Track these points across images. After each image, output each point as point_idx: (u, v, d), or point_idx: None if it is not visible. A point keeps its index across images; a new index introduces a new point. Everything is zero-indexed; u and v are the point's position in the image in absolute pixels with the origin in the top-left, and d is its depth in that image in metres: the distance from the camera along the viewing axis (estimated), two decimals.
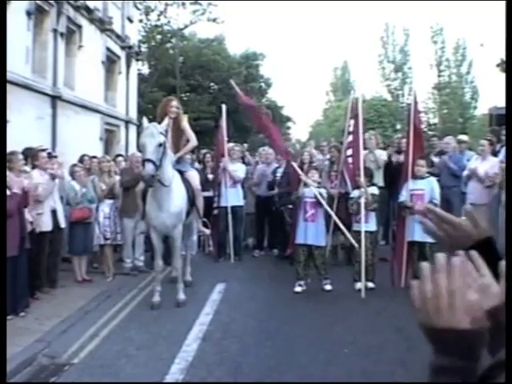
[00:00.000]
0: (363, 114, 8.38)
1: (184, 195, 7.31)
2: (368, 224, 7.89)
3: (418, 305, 0.91)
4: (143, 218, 7.61)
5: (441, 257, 0.90)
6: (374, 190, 8.08)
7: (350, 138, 8.91)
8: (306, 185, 7.92)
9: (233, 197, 10.27)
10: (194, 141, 7.97)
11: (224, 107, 10.75)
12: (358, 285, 7.72)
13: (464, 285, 0.87)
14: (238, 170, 10.50)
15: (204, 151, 11.96)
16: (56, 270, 8.25)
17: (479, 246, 1.11)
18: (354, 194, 8.07)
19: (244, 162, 11.13)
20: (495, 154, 9.06)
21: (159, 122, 6.99)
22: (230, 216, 10.14)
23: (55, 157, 9.57)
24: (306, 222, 7.86)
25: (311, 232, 7.82)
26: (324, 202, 7.90)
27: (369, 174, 8.20)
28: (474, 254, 0.94)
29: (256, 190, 10.93)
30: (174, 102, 7.79)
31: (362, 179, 7.78)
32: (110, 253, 8.96)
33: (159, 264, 7.42)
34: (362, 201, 7.69)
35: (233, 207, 10.24)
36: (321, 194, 7.87)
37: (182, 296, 7.28)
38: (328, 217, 8.20)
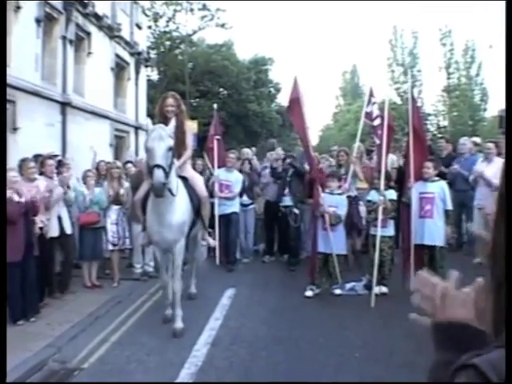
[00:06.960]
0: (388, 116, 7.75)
1: (188, 205, 6.53)
2: (386, 229, 7.68)
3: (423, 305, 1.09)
4: (144, 230, 6.79)
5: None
6: (393, 195, 7.78)
7: (378, 120, 8.19)
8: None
9: (227, 205, 10.05)
10: (189, 150, 6.94)
11: (215, 106, 10.85)
12: (376, 289, 7.50)
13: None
14: (233, 180, 10.15)
15: None
16: (69, 276, 8.29)
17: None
18: (372, 197, 7.82)
19: (241, 171, 10.74)
20: None
21: (158, 122, 6.26)
22: (231, 223, 10.00)
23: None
24: (325, 231, 7.75)
25: (333, 240, 7.70)
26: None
27: (388, 178, 7.89)
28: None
29: (266, 195, 10.72)
30: (170, 100, 6.72)
31: (382, 186, 7.48)
32: (117, 259, 8.98)
33: (164, 279, 6.87)
34: (380, 207, 7.45)
35: (228, 214, 10.05)
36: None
37: (179, 324, 6.39)
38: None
